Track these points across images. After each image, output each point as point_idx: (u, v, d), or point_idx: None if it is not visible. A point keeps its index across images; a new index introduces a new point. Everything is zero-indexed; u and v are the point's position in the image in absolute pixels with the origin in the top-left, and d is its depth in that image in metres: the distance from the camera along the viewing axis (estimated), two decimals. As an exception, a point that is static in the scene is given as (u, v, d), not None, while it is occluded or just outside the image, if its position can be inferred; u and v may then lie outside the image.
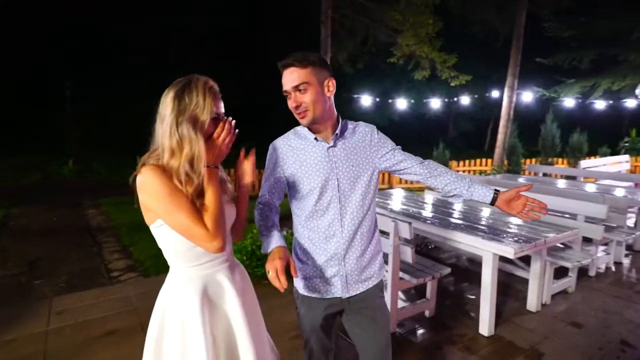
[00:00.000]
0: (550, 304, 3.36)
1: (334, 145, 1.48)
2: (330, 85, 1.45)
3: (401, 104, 10.51)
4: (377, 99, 10.75)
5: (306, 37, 10.04)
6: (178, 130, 1.16)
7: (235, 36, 19.15)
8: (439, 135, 11.83)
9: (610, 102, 11.76)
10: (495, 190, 1.48)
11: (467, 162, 10.87)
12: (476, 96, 11.19)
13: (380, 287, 1.59)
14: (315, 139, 1.49)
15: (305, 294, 1.54)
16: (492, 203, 1.47)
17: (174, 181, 1.15)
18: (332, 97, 1.48)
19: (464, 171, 10.50)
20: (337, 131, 1.49)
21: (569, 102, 11.80)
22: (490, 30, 12.64)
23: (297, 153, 1.50)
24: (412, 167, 1.54)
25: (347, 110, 16.73)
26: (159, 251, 1.29)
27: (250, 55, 18.86)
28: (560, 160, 10.48)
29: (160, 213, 1.15)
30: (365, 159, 1.51)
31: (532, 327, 3.01)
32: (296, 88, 1.41)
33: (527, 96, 11.45)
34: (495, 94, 11.82)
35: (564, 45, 11.65)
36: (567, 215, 3.82)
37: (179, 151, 1.16)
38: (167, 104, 1.18)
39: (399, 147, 1.58)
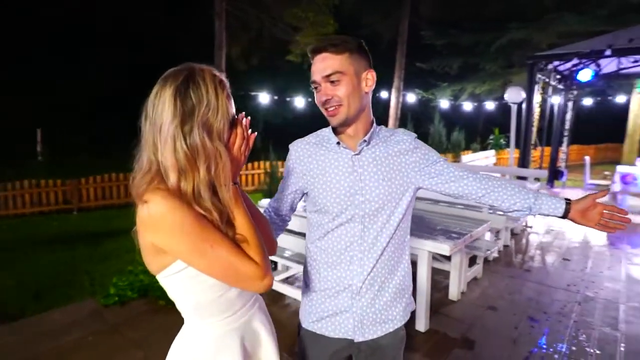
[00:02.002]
0: (467, 291, 3.64)
1: (359, 153, 1.21)
2: (370, 79, 1.19)
3: (299, 102, 10.53)
4: (275, 97, 10.60)
5: (200, 30, 9.35)
6: (186, 140, 0.83)
7: (123, 27, 16.88)
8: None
9: (476, 103, 13.64)
10: (567, 200, 1.19)
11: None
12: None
13: (402, 334, 1.31)
14: (338, 143, 1.22)
15: (310, 328, 1.27)
16: (565, 216, 1.19)
17: (196, 208, 0.83)
18: (370, 95, 1.22)
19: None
20: (367, 137, 1.21)
21: (444, 103, 13.31)
22: (376, 34, 13.54)
23: (314, 159, 1.23)
24: (465, 183, 1.22)
25: (241, 108, 16.15)
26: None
27: (138, 45, 16.96)
28: (443, 155, 11.79)
29: (184, 254, 0.84)
30: (399, 173, 1.22)
31: (458, 316, 3.21)
32: (327, 78, 1.14)
33: (411, 97, 12.57)
34: (383, 94, 12.69)
35: (438, 52, 13.14)
36: (460, 206, 4.21)
37: (191, 170, 0.83)
38: (163, 106, 0.83)
39: (443, 158, 1.28)
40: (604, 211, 1.16)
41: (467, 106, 13.46)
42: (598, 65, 5.94)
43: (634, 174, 6.79)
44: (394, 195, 1.21)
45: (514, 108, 6.79)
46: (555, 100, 8.83)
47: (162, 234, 0.81)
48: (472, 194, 1.24)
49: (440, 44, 12.83)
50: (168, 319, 3.08)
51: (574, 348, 2.78)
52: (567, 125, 9.12)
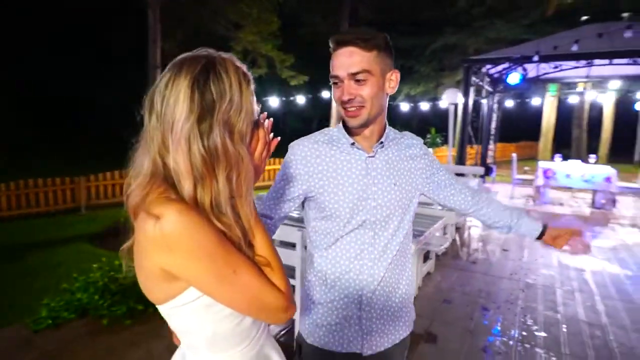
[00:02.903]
0: (422, 286, 3.74)
1: (374, 156, 1.14)
2: (394, 80, 1.11)
3: None
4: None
5: (132, 22, 8.67)
6: (204, 142, 0.68)
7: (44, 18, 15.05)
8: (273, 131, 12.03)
9: (412, 104, 14.26)
10: (545, 225, 1.30)
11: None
12: (310, 96, 11.91)
13: (407, 344, 1.27)
14: (353, 144, 1.13)
15: (315, 344, 1.16)
16: (539, 238, 1.30)
17: (216, 224, 0.69)
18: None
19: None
20: (383, 139, 1.15)
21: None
22: (316, 34, 13.61)
23: (324, 160, 1.12)
24: (462, 198, 1.27)
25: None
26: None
27: (60, 39, 15.28)
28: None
29: (203, 281, 0.69)
30: (408, 178, 1.19)
31: (418, 312, 3.23)
32: (353, 76, 1.04)
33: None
34: (325, 94, 12.79)
35: (377, 54, 13.52)
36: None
37: (209, 178, 0.69)
38: (177, 99, 0.68)
39: (444, 167, 1.30)
40: (570, 240, 1.26)
41: (404, 107, 14.03)
42: (525, 70, 6.49)
43: (553, 169, 7.51)
44: (404, 200, 1.17)
45: (452, 109, 7.17)
46: (484, 101, 9.51)
47: (178, 257, 0.66)
48: (464, 209, 1.30)
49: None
50: (113, 341, 2.78)
51: (524, 333, 2.97)
52: (494, 125, 9.87)
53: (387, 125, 1.18)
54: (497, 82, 7.08)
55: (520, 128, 18.20)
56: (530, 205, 7.60)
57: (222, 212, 0.70)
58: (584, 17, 7.16)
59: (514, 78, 6.12)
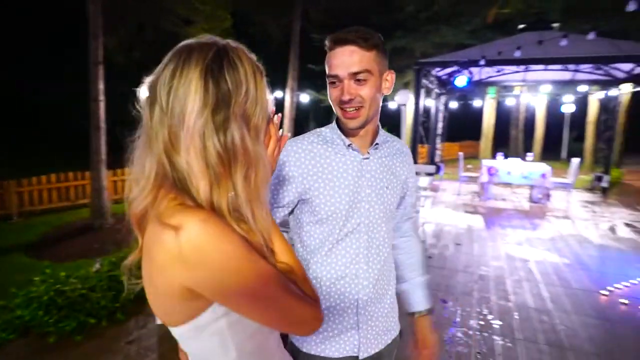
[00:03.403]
0: (384, 283, 3.82)
1: (368, 158, 1.13)
2: (389, 80, 1.10)
3: None
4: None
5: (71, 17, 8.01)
6: (221, 137, 0.60)
7: None
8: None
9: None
10: (430, 308, 1.32)
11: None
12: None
13: (397, 343, 1.27)
14: (350, 145, 1.10)
15: (312, 352, 1.13)
16: (411, 315, 1.31)
17: (238, 230, 0.61)
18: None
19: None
20: (378, 140, 1.14)
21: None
22: (267, 34, 13.46)
23: (318, 162, 1.09)
24: (403, 210, 1.29)
25: (121, 107, 14.46)
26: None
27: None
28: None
29: (232, 297, 0.61)
30: (397, 181, 1.20)
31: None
32: (354, 76, 1.01)
33: (305, 98, 12.81)
34: (277, 94, 12.69)
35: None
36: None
37: (225, 177, 0.61)
38: (188, 89, 0.60)
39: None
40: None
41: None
42: (471, 73, 6.87)
43: (496, 166, 8.02)
44: (394, 203, 1.19)
45: (404, 109, 7.41)
46: (431, 102, 9.95)
47: (204, 273, 0.58)
48: (399, 225, 1.32)
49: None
50: None
51: (482, 322, 3.13)
52: (442, 125, 10.35)
53: (379, 126, 1.18)
54: (445, 84, 7.44)
55: (463, 128, 19.25)
56: (476, 201, 8.05)
57: (241, 217, 0.63)
58: (521, 26, 7.73)
59: (461, 81, 6.47)
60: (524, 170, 7.76)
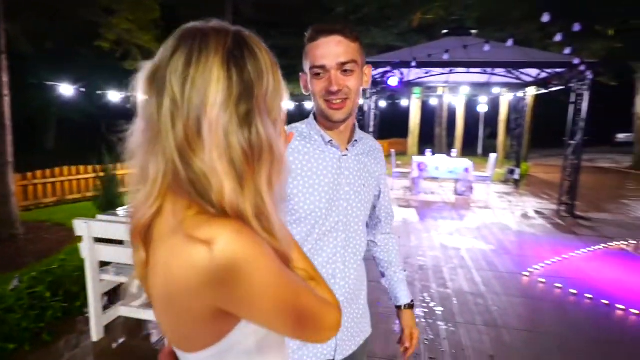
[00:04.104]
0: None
1: (347, 155, 1.10)
2: (367, 74, 1.07)
3: (112, 96, 9.02)
4: (82, 90, 8.77)
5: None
6: (244, 132, 0.54)
7: None
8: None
9: (297, 103, 14.59)
10: (411, 302, 1.33)
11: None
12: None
13: (368, 343, 1.26)
14: (330, 142, 1.07)
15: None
16: (398, 308, 1.33)
17: (265, 237, 0.55)
18: None
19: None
20: (356, 137, 1.11)
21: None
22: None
23: (298, 159, 1.05)
24: (380, 208, 1.28)
25: (31, 100, 12.88)
26: None
27: None
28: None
29: (268, 314, 0.54)
30: (372, 179, 1.18)
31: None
32: (342, 66, 0.97)
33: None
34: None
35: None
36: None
37: (249, 179, 0.54)
38: (209, 78, 0.52)
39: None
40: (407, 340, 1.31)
41: (289, 105, 14.30)
42: (402, 74, 7.21)
43: (425, 162, 8.54)
44: (370, 201, 1.19)
45: (340, 108, 7.56)
46: (363, 101, 10.29)
47: (241, 291, 0.51)
48: (375, 224, 1.32)
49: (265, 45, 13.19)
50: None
51: (426, 310, 3.31)
52: (374, 123, 10.76)
53: (356, 123, 1.16)
54: (377, 83, 7.73)
55: (391, 126, 20.23)
56: (408, 195, 8.50)
57: (264, 223, 0.56)
58: (444, 31, 8.30)
59: (393, 81, 6.77)
60: (449, 165, 8.37)
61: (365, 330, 1.23)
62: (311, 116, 1.12)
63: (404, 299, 1.33)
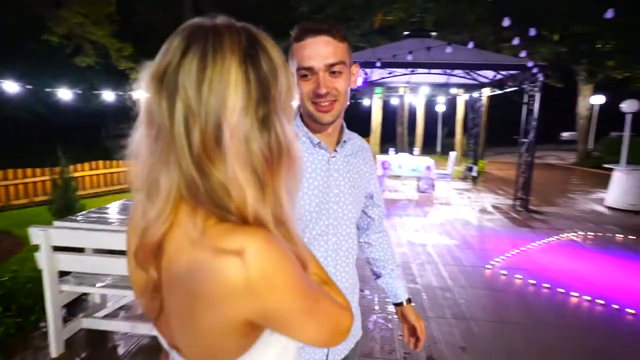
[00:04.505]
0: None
1: (335, 156, 1.07)
2: (354, 74, 1.05)
3: (63, 94, 8.43)
4: (29, 87, 8.10)
5: None
6: (264, 136, 0.51)
7: None
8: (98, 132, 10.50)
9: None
10: (409, 298, 1.33)
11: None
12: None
13: (358, 346, 1.24)
14: (318, 143, 1.04)
15: None
16: (396, 305, 1.32)
17: (287, 244, 0.53)
18: None
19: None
20: (345, 138, 1.08)
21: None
22: (152, 25, 12.38)
23: None
24: (376, 208, 1.27)
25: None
26: None
27: None
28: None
29: (294, 322, 0.53)
30: (362, 180, 1.16)
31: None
32: (330, 67, 0.93)
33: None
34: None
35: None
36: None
37: (269, 184, 0.52)
38: (227, 80, 0.49)
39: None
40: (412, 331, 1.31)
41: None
42: (366, 74, 7.32)
43: (389, 161, 8.72)
44: (361, 203, 1.17)
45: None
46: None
47: (273, 301, 0.49)
48: (368, 224, 1.30)
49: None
50: None
51: (398, 306, 3.37)
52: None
53: (344, 124, 1.15)
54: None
55: (352, 126, 20.48)
56: (373, 194, 8.63)
57: (282, 230, 0.54)
58: (406, 32, 8.51)
59: (358, 81, 6.85)
60: (412, 163, 8.60)
61: (356, 334, 1.22)
62: (298, 118, 1.09)
63: (404, 294, 1.32)
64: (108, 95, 9.44)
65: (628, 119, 7.32)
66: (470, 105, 11.06)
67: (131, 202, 3.42)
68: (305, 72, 0.97)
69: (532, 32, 3.77)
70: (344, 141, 1.11)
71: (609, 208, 7.44)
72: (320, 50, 0.95)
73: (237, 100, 0.49)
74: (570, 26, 11.84)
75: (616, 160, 7.80)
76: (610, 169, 7.67)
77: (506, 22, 3.87)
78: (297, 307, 0.52)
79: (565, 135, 27.57)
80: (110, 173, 8.92)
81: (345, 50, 0.99)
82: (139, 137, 0.53)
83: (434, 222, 6.29)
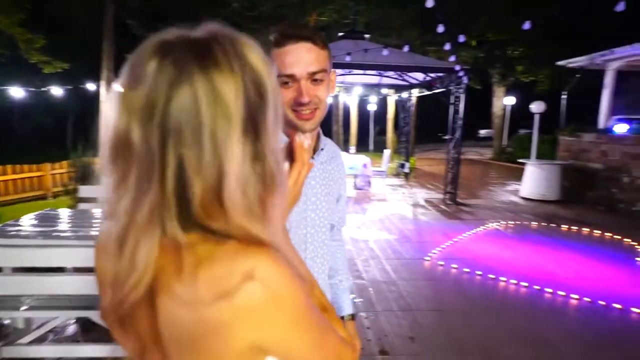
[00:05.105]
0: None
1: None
2: (333, 80, 1.01)
3: (14, 92, 7.30)
4: None
5: None
6: (259, 173, 0.48)
7: None
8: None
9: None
10: (354, 314, 1.29)
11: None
12: (70, 87, 9.63)
13: None
14: None
15: None
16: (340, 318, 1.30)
17: None
18: None
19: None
20: (322, 145, 1.06)
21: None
22: (69, 18, 11.26)
23: None
24: (338, 213, 1.23)
25: None
26: None
27: None
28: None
29: (300, 349, 0.51)
30: (334, 187, 1.13)
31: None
32: (312, 75, 0.90)
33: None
34: (90, 86, 10.77)
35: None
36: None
37: (262, 206, 0.48)
38: (220, 99, 0.43)
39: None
40: None
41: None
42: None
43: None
44: (333, 209, 1.16)
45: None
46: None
47: (280, 325, 0.47)
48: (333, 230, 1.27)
49: (148, 36, 12.16)
50: None
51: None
52: (275, 122, 10.81)
53: (320, 131, 1.13)
54: (279, 83, 7.77)
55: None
56: (313, 193, 8.72)
57: (283, 251, 0.50)
58: (340, 34, 8.70)
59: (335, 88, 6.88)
60: (349, 161, 8.81)
61: None
62: None
63: (347, 309, 1.27)
64: (16, 91, 8.35)
65: (536, 119, 8.20)
66: (402, 105, 11.63)
67: (51, 211, 3.10)
68: (287, 80, 0.94)
69: (461, 38, 4.09)
70: (322, 149, 1.10)
71: (524, 199, 8.29)
72: (302, 57, 0.93)
73: (232, 124, 0.44)
74: (485, 33, 12.99)
75: (527, 155, 8.71)
76: (523, 164, 8.55)
77: (440, 29, 4.13)
78: (304, 333, 0.51)
79: (483, 132, 30.22)
80: (22, 179, 7.98)
81: (327, 58, 0.98)
82: (118, 187, 0.46)
83: (373, 218, 6.52)
